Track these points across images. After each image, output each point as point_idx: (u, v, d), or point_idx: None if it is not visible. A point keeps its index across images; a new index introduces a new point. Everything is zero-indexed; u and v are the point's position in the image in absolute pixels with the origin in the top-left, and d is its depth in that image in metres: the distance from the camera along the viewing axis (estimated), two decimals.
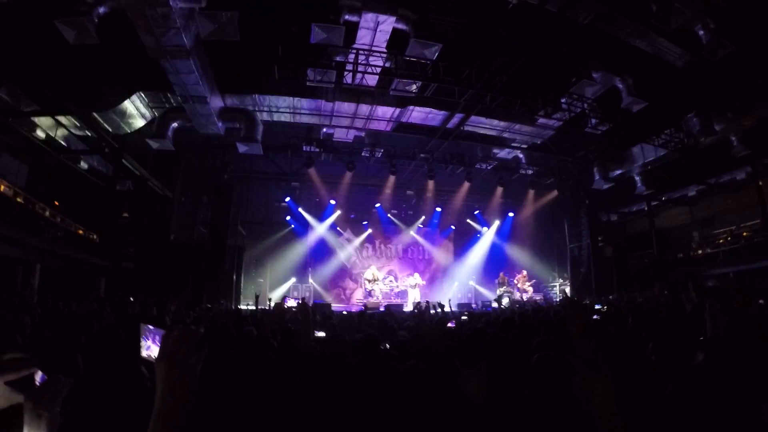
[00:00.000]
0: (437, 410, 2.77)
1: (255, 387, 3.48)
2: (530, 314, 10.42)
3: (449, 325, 7.39)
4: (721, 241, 24.59)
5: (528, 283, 28.30)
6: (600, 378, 1.88)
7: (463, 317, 10.41)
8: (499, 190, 28.92)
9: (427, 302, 13.32)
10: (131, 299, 14.16)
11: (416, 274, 29.69)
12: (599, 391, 1.86)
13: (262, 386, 3.48)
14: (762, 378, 2.67)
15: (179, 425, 1.59)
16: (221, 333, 6.89)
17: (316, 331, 6.51)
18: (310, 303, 23.74)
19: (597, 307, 12.96)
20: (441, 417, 2.73)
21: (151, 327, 2.13)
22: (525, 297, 26.95)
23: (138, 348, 2.13)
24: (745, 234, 23.45)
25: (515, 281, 28.37)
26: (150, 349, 2.13)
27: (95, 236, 19.83)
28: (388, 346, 5.81)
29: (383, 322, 9.37)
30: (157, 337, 2.03)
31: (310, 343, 4.61)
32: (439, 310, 12.49)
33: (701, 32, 15.29)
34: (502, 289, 27.07)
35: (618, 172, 25.11)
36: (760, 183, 22.22)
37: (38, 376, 1.81)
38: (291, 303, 16.77)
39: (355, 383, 3.48)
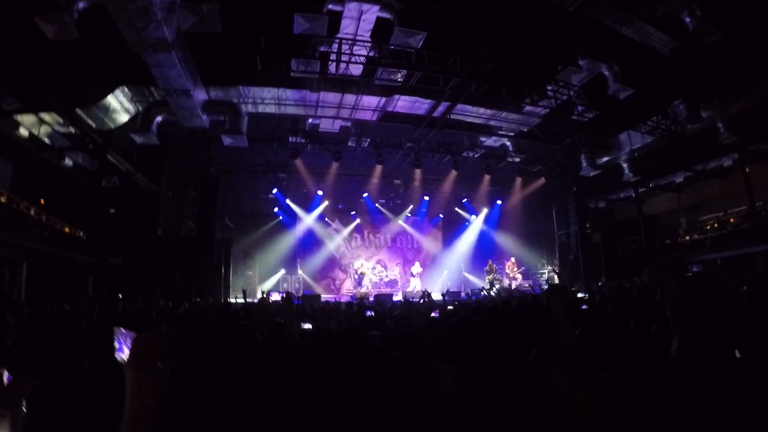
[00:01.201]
0: (416, 402, 2.75)
1: (239, 381, 3.46)
2: (514, 303, 10.42)
3: (433, 314, 7.36)
4: (708, 227, 24.65)
5: (517, 271, 28.45)
6: (577, 386, 1.81)
7: (449, 307, 10.39)
8: (487, 178, 28.98)
9: (425, 291, 13.34)
10: (119, 296, 14.10)
11: (417, 263, 29.87)
12: (575, 399, 1.80)
13: (246, 380, 3.46)
14: (750, 365, 2.66)
15: (149, 430, 1.55)
16: (207, 327, 6.88)
17: (302, 324, 6.50)
18: (300, 294, 23.77)
19: (580, 295, 12.97)
20: (420, 409, 2.72)
21: (123, 330, 2.10)
22: (514, 284, 27.04)
23: (110, 344, 2.09)
24: (732, 220, 23.52)
25: (505, 269, 28.47)
26: (123, 352, 2.10)
27: (82, 233, 19.66)
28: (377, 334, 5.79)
29: (373, 312, 9.41)
30: (129, 340, 1.98)
31: (295, 336, 4.60)
32: (426, 299, 12.51)
33: (687, 19, 15.33)
34: (490, 277, 27.17)
35: (605, 159, 25.21)
36: (747, 170, 22.35)
37: (5, 376, 1.79)
38: (276, 297, 16.73)
39: (339, 375, 3.46)
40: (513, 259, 29.15)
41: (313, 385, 3.26)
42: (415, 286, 27.91)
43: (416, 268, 29.67)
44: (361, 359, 3.97)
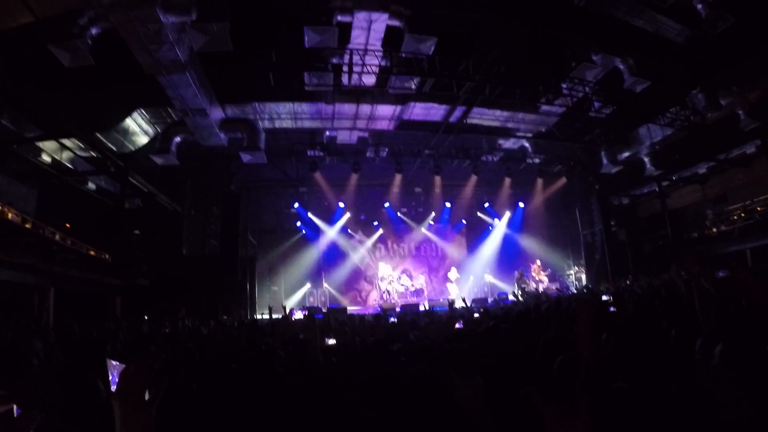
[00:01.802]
0: (434, 417, 2.70)
1: (261, 399, 3.44)
2: (543, 307, 10.27)
3: (457, 325, 7.20)
4: (735, 217, 24.31)
5: (543, 273, 28.18)
6: (573, 421, 1.71)
7: (476, 315, 10.23)
8: (507, 180, 28.87)
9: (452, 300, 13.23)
10: (145, 317, 14.21)
11: (453, 269, 29.68)
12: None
13: (267, 398, 3.44)
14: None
15: None
16: (232, 346, 6.89)
17: (327, 339, 6.47)
18: (326, 308, 23.75)
19: (605, 298, 12.74)
20: (437, 424, 2.66)
21: (115, 363, 2.10)
22: (541, 287, 26.85)
23: (105, 377, 2.12)
24: (759, 209, 23.16)
25: (531, 272, 28.26)
26: (115, 384, 2.09)
27: (108, 256, 19.88)
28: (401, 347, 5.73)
29: (397, 325, 9.33)
30: (118, 372, 2.00)
31: (317, 352, 4.58)
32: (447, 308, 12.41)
33: (699, 6, 15.13)
34: (518, 284, 26.99)
35: (626, 154, 24.96)
36: None
37: (15, 410, 1.83)
38: (298, 315, 16.73)
39: (358, 390, 3.42)
40: (538, 262, 28.90)
41: (331, 402, 3.23)
42: (452, 292, 27.73)
43: (453, 273, 29.33)
44: (382, 374, 3.92)
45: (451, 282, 28.92)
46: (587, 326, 2.92)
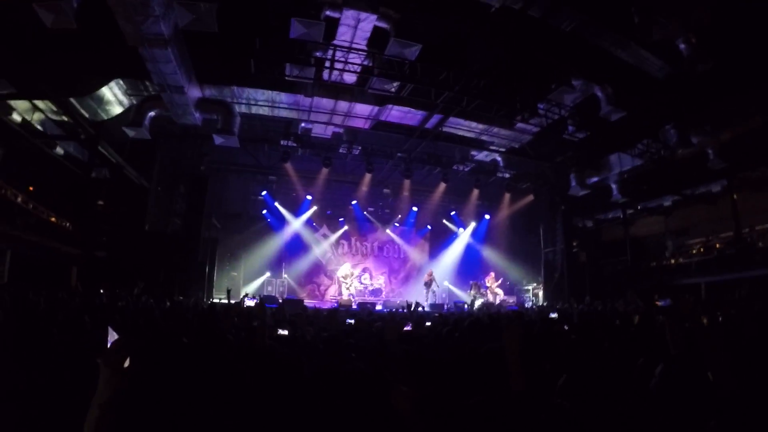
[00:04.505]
0: (370, 417, 2.77)
1: (206, 381, 3.50)
2: (486, 319, 10.45)
3: (406, 328, 7.30)
4: (694, 251, 24.89)
5: (496, 284, 28.43)
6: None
7: (428, 323, 10.32)
8: (476, 192, 29.20)
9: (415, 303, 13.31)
10: (101, 290, 14.08)
11: (431, 270, 29.56)
12: None
13: (213, 381, 3.50)
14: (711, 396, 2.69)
15: (111, 415, 1.93)
16: (183, 327, 6.90)
17: (279, 330, 6.50)
18: (282, 298, 23.76)
19: (553, 315, 13.03)
20: (372, 425, 2.73)
21: (113, 331, 2.37)
22: (498, 299, 27.16)
23: (104, 341, 2.36)
24: (718, 245, 23.79)
25: (486, 282, 28.51)
26: None
27: (68, 224, 19.63)
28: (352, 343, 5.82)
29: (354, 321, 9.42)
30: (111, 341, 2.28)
31: (266, 340, 4.64)
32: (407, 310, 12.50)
33: (682, 46, 15.44)
34: (473, 292, 27.23)
35: (595, 179, 25.29)
36: (735, 196, 22.50)
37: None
38: (249, 303, 16.74)
39: (302, 383, 3.49)
40: (492, 274, 29.15)
41: (274, 392, 3.30)
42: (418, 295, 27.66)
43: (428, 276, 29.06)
44: (329, 368, 3.99)
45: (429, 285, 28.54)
46: (516, 354, 2.85)
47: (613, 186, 25.51)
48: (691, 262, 24.22)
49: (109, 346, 2.07)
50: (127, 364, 2.00)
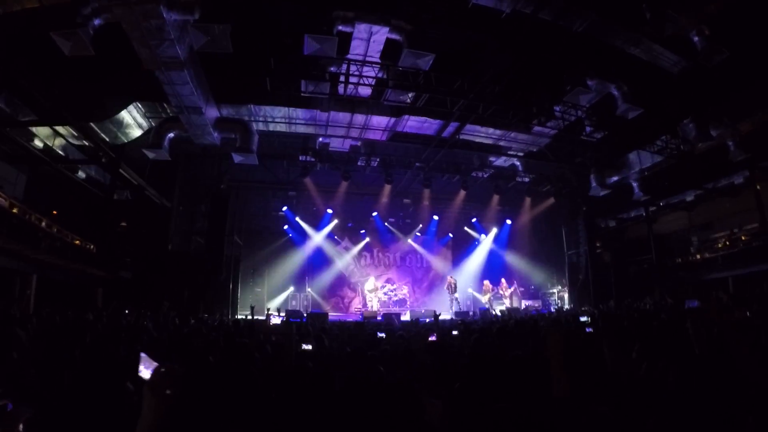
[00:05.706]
0: (403, 429, 2.78)
1: (234, 400, 3.52)
2: (512, 326, 10.38)
3: (431, 338, 7.26)
4: (719, 245, 24.54)
5: (509, 291, 28.32)
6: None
7: (454, 332, 10.25)
8: (496, 198, 29.07)
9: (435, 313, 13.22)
10: (126, 311, 14.19)
11: (450, 276, 29.50)
12: None
13: (241, 399, 3.52)
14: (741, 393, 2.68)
15: None
16: (210, 346, 6.93)
17: (303, 345, 6.52)
18: (307, 312, 23.81)
19: (583, 319, 12.89)
20: None
21: (146, 357, 2.45)
22: (515, 304, 27.10)
23: (136, 366, 2.45)
24: (743, 238, 23.44)
25: (499, 289, 28.43)
26: (143, 372, 2.51)
27: (92, 246, 19.83)
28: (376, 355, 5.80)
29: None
30: (149, 365, 2.43)
31: (292, 356, 4.67)
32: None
33: (696, 38, 15.33)
34: (488, 296, 27.24)
35: (615, 178, 25.10)
36: (758, 187, 22.25)
37: (7, 407, 2.25)
38: (275, 321, 16.79)
39: (330, 398, 3.50)
40: (503, 281, 29.07)
41: (306, 405, 3.32)
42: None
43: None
44: (357, 382, 4.00)
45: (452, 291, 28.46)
46: (559, 361, 2.88)
47: (634, 184, 25.28)
48: (717, 257, 23.93)
49: (152, 373, 2.14)
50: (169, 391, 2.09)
